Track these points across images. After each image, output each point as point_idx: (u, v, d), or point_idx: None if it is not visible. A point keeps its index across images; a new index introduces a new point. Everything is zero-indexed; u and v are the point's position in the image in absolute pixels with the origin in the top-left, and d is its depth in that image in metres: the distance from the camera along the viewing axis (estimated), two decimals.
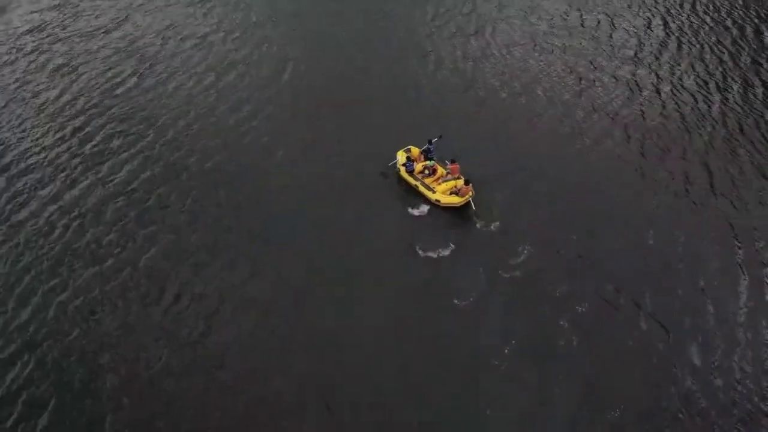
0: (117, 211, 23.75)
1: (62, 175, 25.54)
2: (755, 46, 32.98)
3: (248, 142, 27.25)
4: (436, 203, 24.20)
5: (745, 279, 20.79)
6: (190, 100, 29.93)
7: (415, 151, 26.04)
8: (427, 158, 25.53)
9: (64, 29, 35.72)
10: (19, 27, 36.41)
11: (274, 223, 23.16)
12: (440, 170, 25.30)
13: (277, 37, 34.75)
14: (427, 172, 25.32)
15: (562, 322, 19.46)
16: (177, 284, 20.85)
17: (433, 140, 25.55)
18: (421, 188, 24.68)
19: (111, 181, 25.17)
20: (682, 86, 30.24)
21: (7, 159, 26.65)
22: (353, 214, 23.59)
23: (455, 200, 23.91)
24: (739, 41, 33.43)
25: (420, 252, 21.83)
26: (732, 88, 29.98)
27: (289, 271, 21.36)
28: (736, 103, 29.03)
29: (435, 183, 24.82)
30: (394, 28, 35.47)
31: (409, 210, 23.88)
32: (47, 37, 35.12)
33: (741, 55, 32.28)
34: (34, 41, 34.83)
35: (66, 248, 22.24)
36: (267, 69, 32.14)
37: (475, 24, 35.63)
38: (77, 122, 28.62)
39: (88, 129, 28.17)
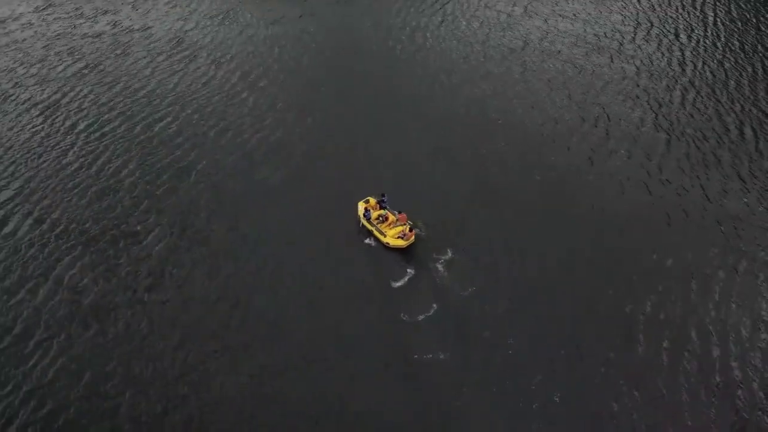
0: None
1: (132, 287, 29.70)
2: (738, 145, 36.73)
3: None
4: (387, 245, 30.58)
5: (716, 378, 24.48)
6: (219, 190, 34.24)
7: (372, 201, 32.57)
8: (381, 208, 32.34)
9: (112, 125, 40.13)
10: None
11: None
12: (391, 217, 31.62)
13: (294, 124, 39.00)
14: (380, 218, 31.62)
15: (535, 407, 23.27)
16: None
17: (384, 195, 32.37)
18: (376, 232, 31.11)
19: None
20: (669, 183, 34.04)
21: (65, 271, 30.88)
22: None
23: (401, 243, 30.40)
24: (723, 138, 37.16)
25: (416, 356, 25.36)
26: (715, 189, 33.66)
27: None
28: (721, 206, 32.63)
29: (387, 228, 31.10)
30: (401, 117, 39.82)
31: (403, 316, 27.20)
32: (97, 141, 39.43)
33: (724, 154, 35.98)
34: (83, 141, 39.30)
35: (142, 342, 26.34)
36: (290, 153, 36.40)
37: (480, 129, 39.85)
38: (138, 228, 32.83)
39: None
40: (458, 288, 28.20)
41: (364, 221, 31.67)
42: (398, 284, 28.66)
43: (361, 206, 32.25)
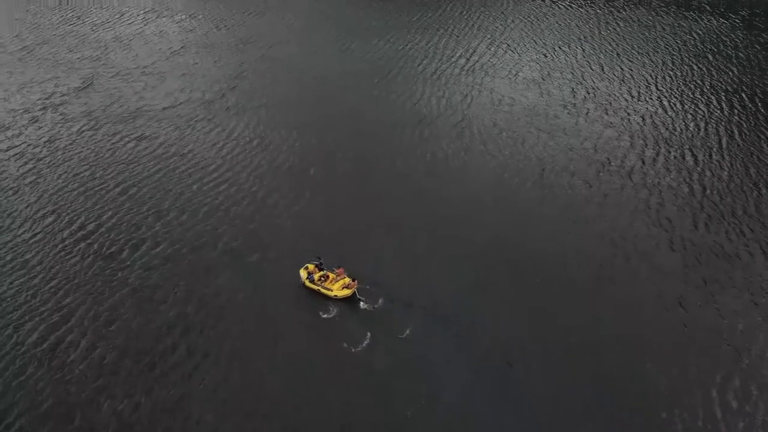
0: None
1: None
2: (749, 264, 38.62)
3: None
4: (335, 297, 35.65)
5: None
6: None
7: (311, 266, 37.58)
8: (320, 269, 37.36)
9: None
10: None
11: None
12: (331, 275, 36.84)
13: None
14: (322, 278, 36.78)
15: None
16: None
17: (320, 258, 37.77)
18: (322, 291, 36.23)
19: None
20: (684, 300, 35.72)
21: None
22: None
23: (347, 292, 35.84)
24: (734, 258, 39.01)
25: None
26: (727, 309, 35.30)
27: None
28: (733, 326, 34.29)
29: (330, 284, 36.29)
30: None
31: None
32: (143, 269, 41.18)
33: (736, 274, 37.79)
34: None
35: None
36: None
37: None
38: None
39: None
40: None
41: (309, 284, 36.85)
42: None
43: (303, 273, 37.41)
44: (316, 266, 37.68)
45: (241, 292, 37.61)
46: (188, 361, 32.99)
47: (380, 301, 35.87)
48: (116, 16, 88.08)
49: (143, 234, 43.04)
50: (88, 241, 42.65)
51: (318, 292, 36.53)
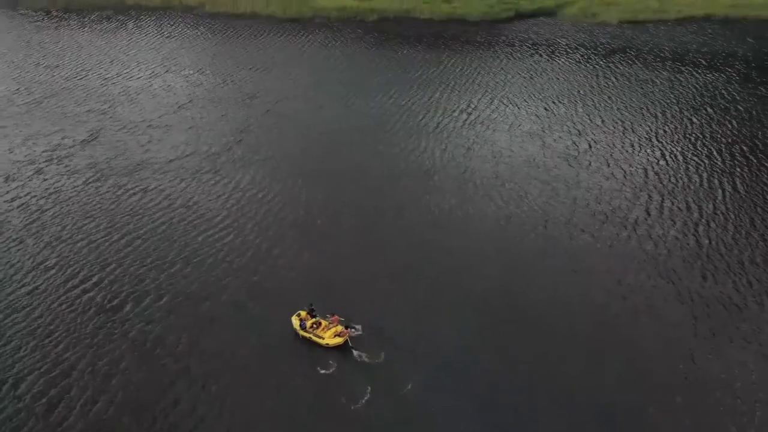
0: None
1: None
2: (758, 315, 38.16)
3: None
4: (326, 346, 35.08)
5: None
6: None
7: (303, 313, 37.17)
8: (312, 316, 36.99)
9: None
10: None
11: None
12: (324, 322, 36.32)
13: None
14: (314, 325, 36.31)
15: None
16: None
17: (312, 304, 37.44)
18: (314, 338, 35.80)
19: None
20: (692, 352, 35.11)
21: None
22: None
23: (339, 340, 35.31)
24: (743, 310, 38.59)
25: None
26: (734, 360, 34.68)
27: None
28: (741, 380, 33.66)
29: (322, 332, 35.84)
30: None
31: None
32: (144, 323, 40.91)
33: (743, 326, 37.31)
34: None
35: None
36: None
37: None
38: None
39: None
40: None
41: (301, 332, 36.38)
42: None
43: (295, 320, 37.01)
44: (308, 313, 37.44)
45: (245, 344, 37.05)
46: (190, 417, 32.27)
47: (382, 354, 35.33)
48: (125, 71, 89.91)
49: (146, 286, 42.78)
50: (90, 293, 42.37)
51: (310, 340, 36.11)
